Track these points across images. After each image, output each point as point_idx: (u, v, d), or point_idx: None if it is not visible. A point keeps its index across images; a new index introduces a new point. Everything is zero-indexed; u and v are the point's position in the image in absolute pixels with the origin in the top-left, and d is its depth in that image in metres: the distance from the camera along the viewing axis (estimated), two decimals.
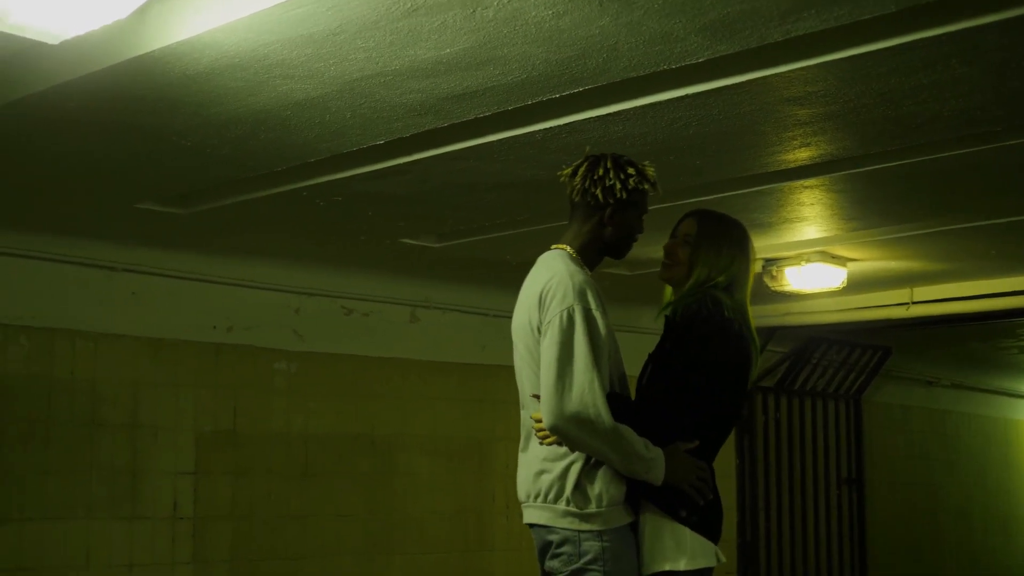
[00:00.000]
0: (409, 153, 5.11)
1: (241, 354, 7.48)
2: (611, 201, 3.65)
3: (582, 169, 3.71)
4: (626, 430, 3.49)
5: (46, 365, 6.66)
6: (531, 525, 3.68)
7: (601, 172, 3.65)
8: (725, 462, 10.18)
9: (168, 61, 3.92)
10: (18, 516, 6.46)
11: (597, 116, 4.55)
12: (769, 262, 7.69)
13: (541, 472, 3.62)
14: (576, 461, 3.56)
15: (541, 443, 3.63)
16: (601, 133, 4.75)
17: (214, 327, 7.36)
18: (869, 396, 11.86)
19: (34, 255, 6.58)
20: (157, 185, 5.69)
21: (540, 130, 4.73)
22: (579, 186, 3.69)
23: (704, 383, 3.67)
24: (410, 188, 5.66)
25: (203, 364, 7.31)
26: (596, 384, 3.45)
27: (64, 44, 3.56)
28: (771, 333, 9.85)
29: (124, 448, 6.91)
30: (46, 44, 3.52)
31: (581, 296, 3.53)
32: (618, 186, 3.63)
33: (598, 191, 3.64)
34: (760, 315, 9.34)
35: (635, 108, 4.44)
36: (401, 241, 6.95)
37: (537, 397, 3.62)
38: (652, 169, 3.74)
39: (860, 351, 11.32)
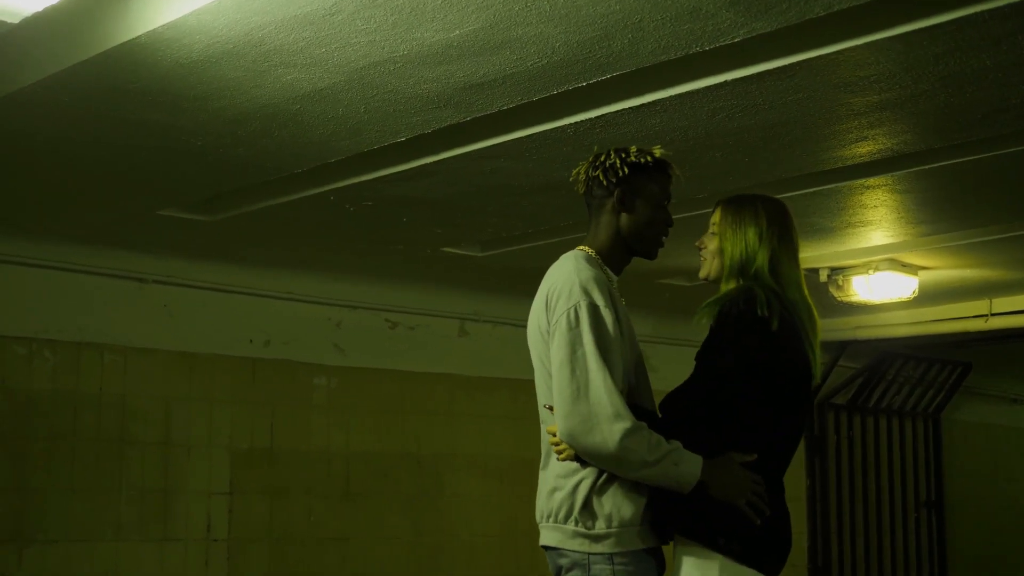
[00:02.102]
0: (435, 152, 4.87)
1: (279, 369, 7.23)
2: (614, 180, 3.43)
3: (586, 163, 3.53)
4: (647, 429, 3.17)
5: (72, 380, 6.45)
6: (544, 548, 3.42)
7: (603, 158, 3.48)
8: (794, 483, 9.76)
9: (157, 48, 3.70)
10: (42, 538, 6.24)
11: (631, 107, 4.26)
12: (835, 271, 7.29)
13: (554, 490, 3.37)
14: (586, 477, 3.28)
15: (559, 458, 3.36)
16: (638, 127, 4.43)
17: (250, 341, 7.14)
18: (949, 414, 11.46)
19: (59, 266, 6.40)
20: (176, 190, 5.47)
21: (571, 124, 4.44)
22: (583, 177, 3.51)
23: (743, 391, 3.25)
24: (441, 191, 5.39)
25: (239, 379, 7.07)
26: (611, 383, 3.18)
27: (26, 23, 3.30)
28: (842, 348, 9.50)
29: (155, 466, 6.69)
30: (8, 23, 3.27)
31: (585, 292, 3.28)
32: (618, 163, 3.43)
33: (600, 174, 3.45)
34: (829, 328, 8.98)
35: (671, 97, 4.16)
36: (443, 250, 6.70)
37: (550, 408, 3.36)
38: (660, 149, 3.52)
39: (939, 367, 10.92)
